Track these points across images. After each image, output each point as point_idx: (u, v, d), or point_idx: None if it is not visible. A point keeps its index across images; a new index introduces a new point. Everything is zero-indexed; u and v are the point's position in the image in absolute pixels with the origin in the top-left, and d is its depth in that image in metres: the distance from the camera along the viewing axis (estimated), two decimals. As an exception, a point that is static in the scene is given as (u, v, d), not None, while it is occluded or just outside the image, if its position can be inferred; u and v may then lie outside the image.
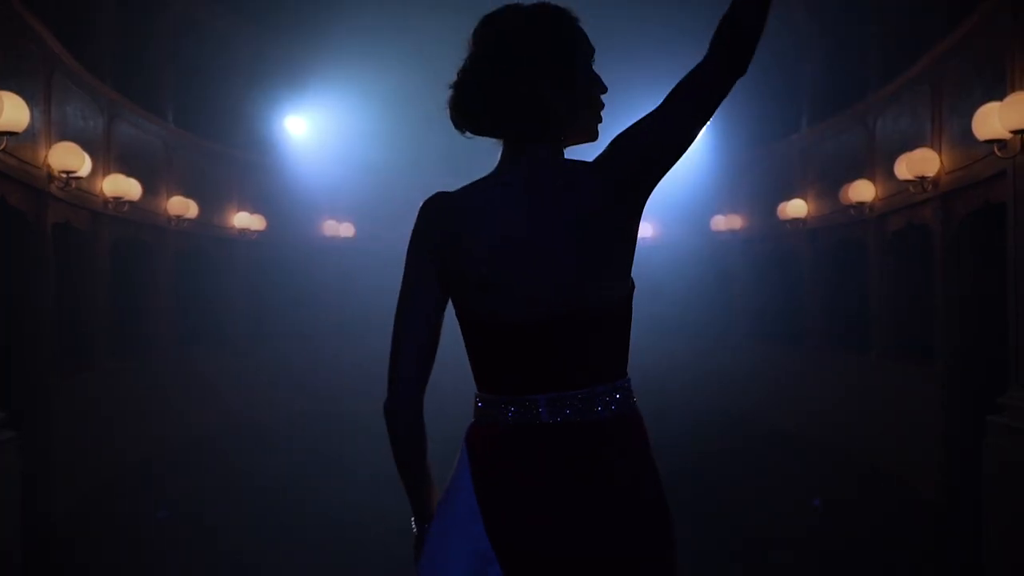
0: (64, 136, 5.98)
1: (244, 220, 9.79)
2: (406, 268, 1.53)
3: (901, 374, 6.96)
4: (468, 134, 1.55)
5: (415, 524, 1.60)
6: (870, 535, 5.51)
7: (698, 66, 1.43)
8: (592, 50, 1.56)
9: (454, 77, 1.54)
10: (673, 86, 1.44)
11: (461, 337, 1.56)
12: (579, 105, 1.53)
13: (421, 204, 1.54)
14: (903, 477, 6.71)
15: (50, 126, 5.81)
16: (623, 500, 1.45)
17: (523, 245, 1.45)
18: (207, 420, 8.80)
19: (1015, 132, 4.59)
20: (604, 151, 1.47)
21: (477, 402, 1.55)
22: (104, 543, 5.29)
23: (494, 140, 1.57)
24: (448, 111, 1.54)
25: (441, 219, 1.50)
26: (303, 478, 6.86)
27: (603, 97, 1.57)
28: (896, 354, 7.24)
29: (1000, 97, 4.78)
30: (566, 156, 1.55)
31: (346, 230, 11.05)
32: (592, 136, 1.58)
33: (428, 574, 1.49)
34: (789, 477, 7.22)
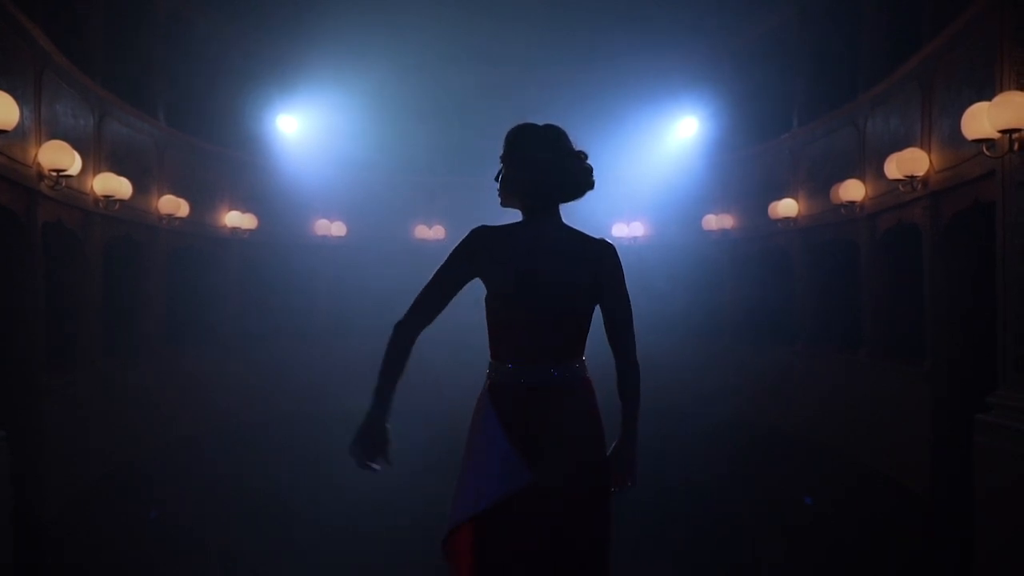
0: (54, 134, 5.95)
1: (236, 219, 9.76)
2: (447, 261, 2.40)
3: (892, 372, 7.00)
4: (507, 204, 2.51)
5: (367, 415, 2.33)
6: (861, 532, 5.54)
7: (617, 345, 2.50)
8: None
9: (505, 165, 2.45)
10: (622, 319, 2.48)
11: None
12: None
13: (472, 229, 2.41)
14: (894, 474, 6.75)
15: (40, 124, 5.78)
16: (581, 427, 2.43)
17: (541, 271, 2.36)
18: (198, 419, 8.79)
19: (1004, 132, 4.62)
20: (608, 266, 2.44)
21: (496, 367, 2.44)
22: (95, 543, 5.28)
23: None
24: (524, 187, 2.43)
25: (488, 244, 2.38)
26: (294, 478, 6.86)
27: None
28: (886, 352, 7.29)
29: (989, 97, 4.80)
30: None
31: (338, 229, 11.01)
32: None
33: (478, 474, 2.35)
34: (780, 474, 7.25)
